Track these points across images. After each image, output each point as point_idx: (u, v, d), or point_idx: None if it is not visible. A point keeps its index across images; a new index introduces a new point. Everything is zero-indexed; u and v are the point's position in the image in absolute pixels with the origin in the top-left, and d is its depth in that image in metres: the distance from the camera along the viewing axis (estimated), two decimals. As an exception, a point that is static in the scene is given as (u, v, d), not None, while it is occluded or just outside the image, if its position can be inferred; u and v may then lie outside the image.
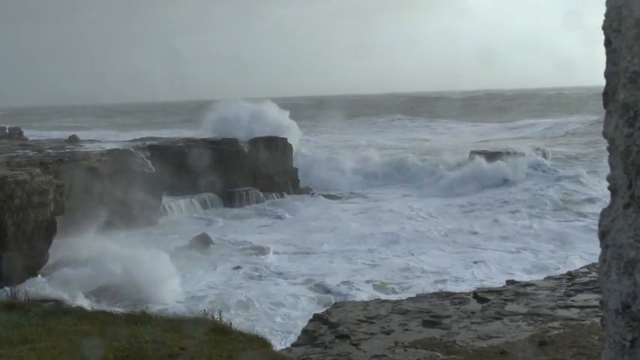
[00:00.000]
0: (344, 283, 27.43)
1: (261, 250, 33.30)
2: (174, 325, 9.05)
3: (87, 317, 9.20)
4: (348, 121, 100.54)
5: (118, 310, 11.53)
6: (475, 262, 29.74)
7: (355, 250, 32.74)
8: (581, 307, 10.72)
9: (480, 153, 53.50)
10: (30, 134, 65.97)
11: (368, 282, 27.46)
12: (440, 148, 66.59)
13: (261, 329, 16.00)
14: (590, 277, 12.32)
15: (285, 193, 48.58)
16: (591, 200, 40.82)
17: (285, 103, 66.05)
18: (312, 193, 50.01)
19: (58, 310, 10.01)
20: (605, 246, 2.53)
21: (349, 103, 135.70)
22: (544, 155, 55.36)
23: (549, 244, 32.38)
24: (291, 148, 51.89)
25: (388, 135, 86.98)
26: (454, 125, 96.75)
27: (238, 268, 30.16)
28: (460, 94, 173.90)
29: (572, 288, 11.89)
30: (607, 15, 2.47)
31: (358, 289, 26.22)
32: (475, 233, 35.16)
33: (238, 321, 21.61)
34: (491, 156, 52.25)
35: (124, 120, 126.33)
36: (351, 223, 39.39)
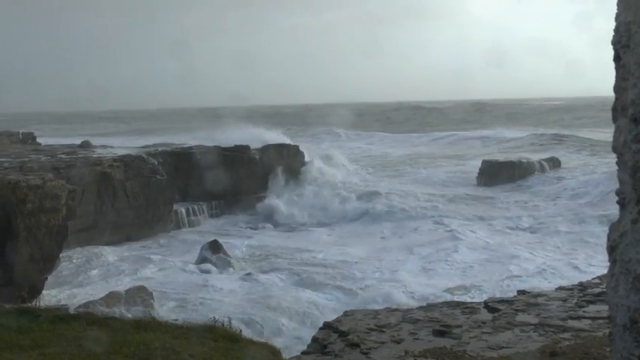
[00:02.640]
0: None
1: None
2: (184, 331, 9.05)
3: (96, 323, 9.21)
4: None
5: (127, 316, 11.55)
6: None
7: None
8: (593, 319, 10.63)
9: (490, 161, 53.41)
10: (43, 140, 66.37)
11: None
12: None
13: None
14: (602, 287, 12.21)
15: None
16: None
17: (272, 112, 65.48)
18: None
19: (67, 315, 10.04)
20: (613, 260, 2.51)
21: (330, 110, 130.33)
22: (556, 164, 55.11)
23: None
24: (303, 155, 51.89)
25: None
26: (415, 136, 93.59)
27: (249, 274, 30.22)
28: (454, 103, 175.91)
29: (583, 299, 11.80)
30: (616, 30, 2.44)
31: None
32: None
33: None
34: (501, 165, 52.20)
35: (132, 126, 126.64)
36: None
